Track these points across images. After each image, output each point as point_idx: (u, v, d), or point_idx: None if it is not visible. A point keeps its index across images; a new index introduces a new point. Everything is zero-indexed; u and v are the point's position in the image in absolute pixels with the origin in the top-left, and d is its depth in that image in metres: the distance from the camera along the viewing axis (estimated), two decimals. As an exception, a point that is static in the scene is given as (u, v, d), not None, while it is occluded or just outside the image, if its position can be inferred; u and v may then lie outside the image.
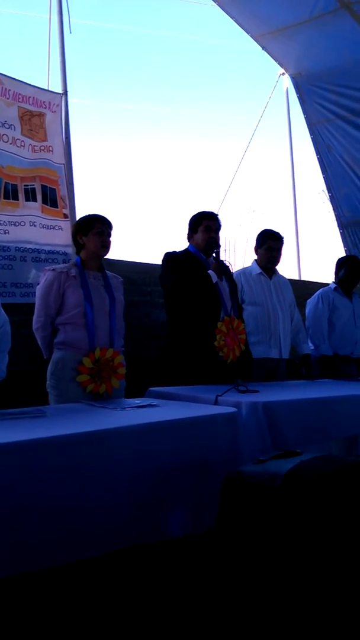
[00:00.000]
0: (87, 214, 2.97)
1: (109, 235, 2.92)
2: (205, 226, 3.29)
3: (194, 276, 3.16)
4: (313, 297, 4.29)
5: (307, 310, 4.26)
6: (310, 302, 4.28)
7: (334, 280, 4.35)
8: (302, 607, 1.61)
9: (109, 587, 1.85)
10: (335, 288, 4.27)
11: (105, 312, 2.84)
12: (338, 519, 1.69)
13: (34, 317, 2.87)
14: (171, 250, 3.34)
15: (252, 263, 3.88)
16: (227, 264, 3.20)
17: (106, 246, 2.90)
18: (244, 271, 3.81)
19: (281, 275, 3.94)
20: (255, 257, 3.87)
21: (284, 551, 1.65)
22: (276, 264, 3.86)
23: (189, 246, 3.38)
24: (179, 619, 1.80)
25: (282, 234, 3.83)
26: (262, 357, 3.65)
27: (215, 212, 3.43)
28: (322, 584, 1.62)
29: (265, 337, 3.71)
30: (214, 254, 3.22)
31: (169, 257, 3.29)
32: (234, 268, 3.33)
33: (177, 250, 3.36)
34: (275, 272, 3.87)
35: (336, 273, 4.35)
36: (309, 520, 1.65)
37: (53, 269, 2.87)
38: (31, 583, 1.67)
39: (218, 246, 3.25)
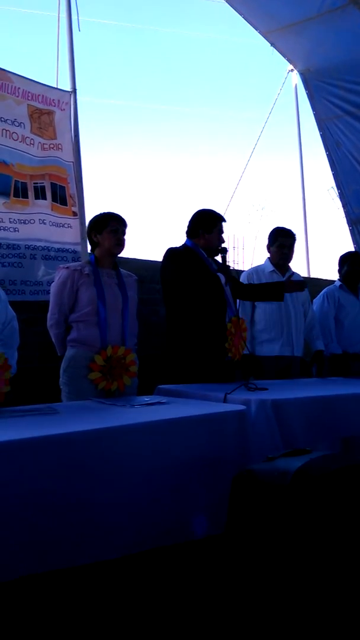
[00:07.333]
0: (101, 211, 2.96)
1: (124, 233, 2.92)
2: (219, 228, 3.28)
3: (198, 273, 3.14)
4: (318, 296, 4.28)
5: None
6: (315, 302, 4.27)
7: (338, 277, 4.34)
8: (313, 605, 1.62)
9: (117, 590, 1.85)
10: (340, 286, 4.26)
11: (118, 311, 2.86)
12: (347, 517, 1.69)
13: (48, 314, 2.89)
14: (173, 246, 3.30)
15: (265, 261, 3.90)
16: (231, 266, 3.22)
17: (121, 244, 2.91)
18: (256, 269, 3.83)
19: (295, 273, 3.93)
20: (268, 255, 3.89)
21: (294, 548, 1.66)
22: (289, 261, 3.87)
23: (187, 242, 3.29)
24: (190, 619, 1.81)
25: (293, 231, 3.84)
26: (275, 355, 3.65)
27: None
28: (333, 581, 1.63)
29: (277, 334, 3.72)
30: (222, 256, 3.22)
31: (171, 253, 3.25)
32: (244, 265, 3.36)
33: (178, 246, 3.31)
34: (288, 269, 3.87)
35: (339, 270, 4.33)
36: (319, 518, 1.66)
37: (67, 267, 2.89)
38: (47, 583, 1.68)
39: (226, 250, 3.26)
